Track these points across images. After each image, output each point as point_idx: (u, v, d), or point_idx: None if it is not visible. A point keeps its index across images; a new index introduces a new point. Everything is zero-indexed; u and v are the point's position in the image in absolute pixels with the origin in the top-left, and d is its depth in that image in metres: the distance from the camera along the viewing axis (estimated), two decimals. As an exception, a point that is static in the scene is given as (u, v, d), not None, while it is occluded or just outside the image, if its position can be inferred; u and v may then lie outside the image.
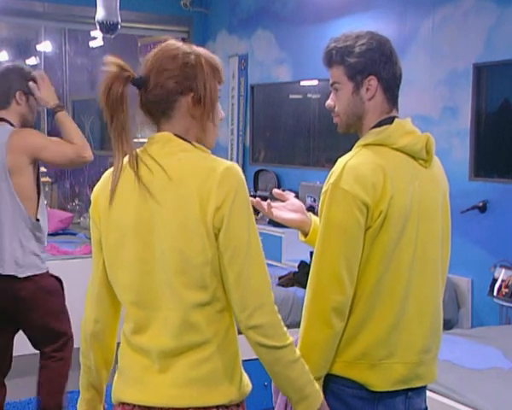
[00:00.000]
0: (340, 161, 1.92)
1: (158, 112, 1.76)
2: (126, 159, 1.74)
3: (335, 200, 1.86)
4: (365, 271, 1.89)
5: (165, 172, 1.69)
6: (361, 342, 1.92)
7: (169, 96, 1.73)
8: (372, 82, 1.95)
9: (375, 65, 1.94)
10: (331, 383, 1.95)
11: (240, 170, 1.71)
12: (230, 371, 1.75)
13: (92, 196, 1.82)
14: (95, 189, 1.82)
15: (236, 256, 1.67)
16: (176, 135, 1.74)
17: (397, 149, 1.93)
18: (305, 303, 1.93)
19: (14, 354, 3.63)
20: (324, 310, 1.87)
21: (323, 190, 1.92)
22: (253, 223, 1.70)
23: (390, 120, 1.97)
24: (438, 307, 2.04)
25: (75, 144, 3.37)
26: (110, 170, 1.81)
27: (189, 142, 1.75)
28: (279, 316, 1.73)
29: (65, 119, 3.46)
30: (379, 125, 1.97)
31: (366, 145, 1.94)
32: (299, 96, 6.46)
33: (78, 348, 1.93)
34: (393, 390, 1.94)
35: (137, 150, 1.75)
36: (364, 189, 1.84)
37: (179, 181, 1.68)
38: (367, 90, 1.95)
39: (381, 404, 1.94)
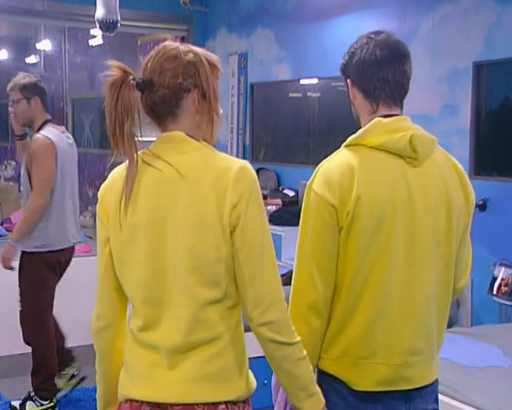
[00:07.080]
0: (321, 163, 1.97)
1: (164, 112, 1.76)
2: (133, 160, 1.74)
3: (308, 201, 1.93)
4: (342, 269, 1.91)
5: (177, 171, 1.70)
6: (343, 339, 1.94)
7: (175, 94, 1.74)
8: (349, 84, 2.02)
9: (349, 68, 2.00)
10: (330, 380, 1.96)
11: (252, 169, 1.74)
12: (239, 367, 1.76)
13: (99, 194, 1.81)
14: (102, 187, 1.82)
15: (252, 254, 1.69)
16: (186, 134, 1.76)
17: (375, 148, 1.92)
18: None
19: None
20: (301, 308, 1.92)
21: None
22: (265, 221, 1.73)
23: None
24: (431, 307, 1.97)
25: None
26: (117, 169, 1.81)
27: (198, 140, 1.77)
28: (288, 314, 1.76)
29: None
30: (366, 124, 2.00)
31: (346, 146, 1.97)
32: (299, 95, 6.45)
33: (92, 345, 1.90)
34: (378, 391, 1.93)
35: (145, 150, 1.76)
36: (331, 191, 1.87)
37: (193, 179, 1.69)
38: (350, 90, 2.03)
39: (379, 402, 1.95)
